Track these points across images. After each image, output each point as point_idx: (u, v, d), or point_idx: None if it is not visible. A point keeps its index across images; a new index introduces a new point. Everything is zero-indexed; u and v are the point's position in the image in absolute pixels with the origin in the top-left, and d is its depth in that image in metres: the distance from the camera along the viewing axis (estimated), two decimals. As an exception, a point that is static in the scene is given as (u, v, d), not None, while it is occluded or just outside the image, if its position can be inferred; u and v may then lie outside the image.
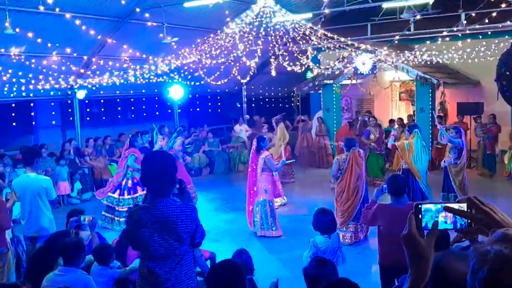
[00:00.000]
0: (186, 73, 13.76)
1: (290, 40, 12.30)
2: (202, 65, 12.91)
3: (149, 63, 11.77)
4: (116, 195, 9.20)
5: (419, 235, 1.49)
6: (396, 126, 13.78)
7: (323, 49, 13.16)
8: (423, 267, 1.48)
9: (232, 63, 13.94)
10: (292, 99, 21.48)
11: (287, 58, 12.46)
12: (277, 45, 11.85)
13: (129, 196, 9.14)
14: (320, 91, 15.31)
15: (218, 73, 14.07)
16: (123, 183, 9.26)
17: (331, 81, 14.72)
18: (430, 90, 13.08)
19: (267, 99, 21.55)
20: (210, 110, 19.45)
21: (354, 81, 14.15)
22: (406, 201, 4.90)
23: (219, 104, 19.85)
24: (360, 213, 7.86)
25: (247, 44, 11.75)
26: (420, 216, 1.49)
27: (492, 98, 10.53)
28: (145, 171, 3.32)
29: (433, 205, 1.49)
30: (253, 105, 20.66)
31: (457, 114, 13.99)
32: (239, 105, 19.11)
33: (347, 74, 14.19)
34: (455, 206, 1.46)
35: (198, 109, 18.90)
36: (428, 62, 13.12)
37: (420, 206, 1.50)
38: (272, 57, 13.12)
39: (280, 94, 21.29)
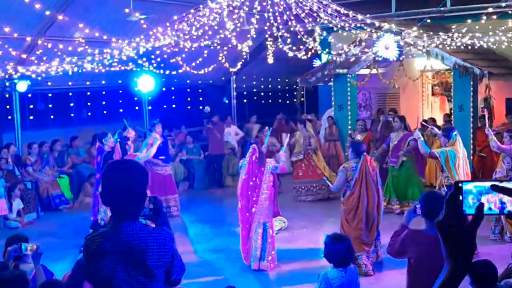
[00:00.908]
0: (158, 59, 13.73)
1: (292, 17, 12.32)
2: (180, 50, 12.89)
3: (112, 46, 11.73)
4: None
5: (460, 221, 1.56)
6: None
7: (335, 29, 13.18)
8: (464, 260, 1.56)
9: (219, 47, 13.92)
10: (295, 93, 21.51)
11: (288, 41, 12.47)
12: (275, 24, 11.86)
13: None
14: (331, 83, 15.34)
15: (200, 59, 14.06)
16: None
17: (345, 71, 14.76)
18: (472, 83, 13.13)
19: (262, 93, 21.58)
20: (189, 107, 19.44)
21: (374, 71, 14.19)
22: None
23: (201, 99, 19.84)
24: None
25: (238, 22, 11.76)
26: (460, 198, 1.56)
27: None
28: (107, 186, 3.31)
29: (476, 185, 1.56)
30: (244, 100, 20.68)
31: (506, 114, 14.02)
32: (227, 101, 19.11)
33: (366, 61, 14.23)
34: (507, 185, 1.53)
35: (174, 106, 18.89)
36: (469, 47, 13.18)
37: (460, 185, 1.56)
38: (270, 39, 13.11)
39: (279, 86, 21.34)
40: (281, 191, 12.52)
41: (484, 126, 10.59)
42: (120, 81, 15.29)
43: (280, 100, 22.28)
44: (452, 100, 13.98)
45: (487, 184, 1.55)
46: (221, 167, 15.10)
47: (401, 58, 13.46)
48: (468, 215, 1.56)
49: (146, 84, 14.56)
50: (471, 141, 13.05)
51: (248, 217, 8.53)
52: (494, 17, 12.17)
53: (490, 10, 12.18)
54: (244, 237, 8.60)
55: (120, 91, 16.57)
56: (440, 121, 14.88)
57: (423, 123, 12.06)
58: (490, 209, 1.55)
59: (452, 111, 13.95)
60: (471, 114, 13.08)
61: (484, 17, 12.37)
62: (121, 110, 16.91)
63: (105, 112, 17.12)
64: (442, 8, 13.54)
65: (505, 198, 1.54)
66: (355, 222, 8.07)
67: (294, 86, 20.01)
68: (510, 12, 12.72)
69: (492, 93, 14.52)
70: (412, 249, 4.83)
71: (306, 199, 13.10)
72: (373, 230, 8.15)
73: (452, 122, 13.43)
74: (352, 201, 8.09)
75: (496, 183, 1.54)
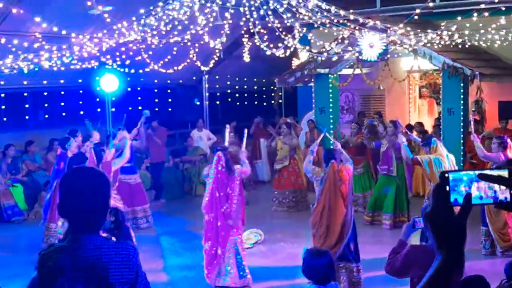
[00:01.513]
0: (123, 56, 13.67)
1: (270, 12, 12.35)
2: (147, 46, 12.84)
3: (71, 42, 11.64)
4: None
5: (448, 212, 1.62)
6: (415, 133, 13.96)
7: (315, 25, 13.26)
8: (454, 252, 1.62)
9: (189, 44, 13.90)
10: (273, 94, 21.58)
11: (265, 38, 12.51)
12: (252, 20, 11.88)
13: None
14: (311, 84, 15.40)
15: (169, 57, 14.02)
16: None
17: (327, 70, 14.83)
18: (462, 84, 13.26)
19: (237, 95, 21.60)
20: (157, 109, 19.35)
21: (358, 71, 14.28)
22: None
23: (169, 100, 19.79)
24: (349, 252, 7.96)
25: (210, 17, 11.75)
26: (448, 188, 1.62)
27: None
28: (65, 196, 3.27)
29: (464, 173, 1.62)
30: (217, 102, 20.68)
31: (499, 118, 14.19)
32: (198, 102, 19.08)
33: (349, 60, 14.32)
34: (494, 173, 1.59)
35: (140, 108, 18.76)
36: (460, 46, 13.33)
37: (447, 175, 1.62)
38: (245, 36, 13.13)
39: (255, 87, 21.36)
40: (248, 200, 12.48)
41: (475, 131, 10.66)
42: (80, 81, 15.16)
43: (256, 102, 22.29)
44: (441, 103, 14.09)
45: (477, 172, 1.61)
46: (159, 177, 14.90)
47: (386, 58, 13.56)
48: (459, 205, 1.61)
49: (109, 84, 14.46)
50: (462, 147, 13.16)
51: (217, 231, 8.41)
52: (486, 13, 12.29)
53: (482, 6, 12.31)
54: (213, 253, 8.42)
55: (81, 91, 16.43)
56: (428, 127, 15.01)
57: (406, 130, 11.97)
58: (481, 197, 1.61)
59: (441, 115, 14.04)
60: (462, 118, 13.19)
61: (475, 14, 12.51)
62: (81, 112, 16.78)
63: (63, 114, 16.96)
64: (430, 4, 13.64)
65: (496, 187, 1.60)
66: (317, 237, 8.04)
67: (272, 87, 20.09)
68: (503, 8, 12.84)
69: (483, 96, 14.70)
70: (416, 268, 4.71)
71: (289, 210, 13.30)
72: (333, 246, 8.00)
73: (440, 125, 13.52)
74: (316, 214, 8.06)
75: (485, 171, 1.60)
